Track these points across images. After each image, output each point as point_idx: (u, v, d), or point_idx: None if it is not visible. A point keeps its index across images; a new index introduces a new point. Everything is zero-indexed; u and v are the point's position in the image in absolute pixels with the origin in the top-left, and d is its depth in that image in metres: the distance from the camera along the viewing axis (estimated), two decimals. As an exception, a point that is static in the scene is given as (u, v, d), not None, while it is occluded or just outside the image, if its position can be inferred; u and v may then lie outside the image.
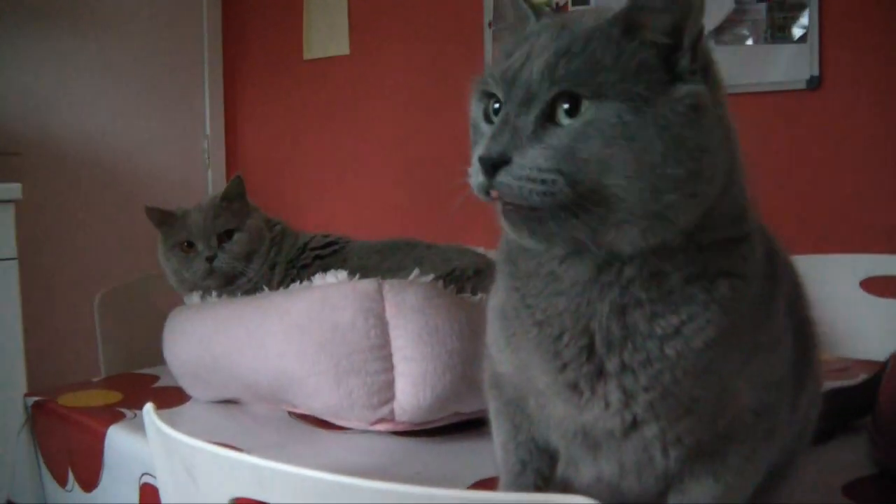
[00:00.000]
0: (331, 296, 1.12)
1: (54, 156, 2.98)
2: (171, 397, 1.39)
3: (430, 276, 1.17)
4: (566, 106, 0.58)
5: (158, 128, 3.27)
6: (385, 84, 3.07)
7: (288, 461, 1.07)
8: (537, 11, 0.66)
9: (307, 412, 1.20)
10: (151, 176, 3.24)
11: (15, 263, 2.39)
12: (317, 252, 1.45)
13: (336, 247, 1.46)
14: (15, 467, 1.43)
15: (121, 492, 1.22)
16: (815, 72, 2.19)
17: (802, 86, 2.21)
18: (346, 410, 1.12)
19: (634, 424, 0.66)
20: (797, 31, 2.21)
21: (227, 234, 1.42)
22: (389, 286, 1.11)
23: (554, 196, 0.57)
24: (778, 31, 2.25)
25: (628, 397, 0.65)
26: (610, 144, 0.56)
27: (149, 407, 0.90)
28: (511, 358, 0.72)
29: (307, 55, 3.26)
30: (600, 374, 0.65)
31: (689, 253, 0.62)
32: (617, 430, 0.67)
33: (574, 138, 0.57)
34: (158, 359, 1.55)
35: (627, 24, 0.59)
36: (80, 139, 3.05)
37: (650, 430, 0.66)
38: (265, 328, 1.16)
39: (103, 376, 1.60)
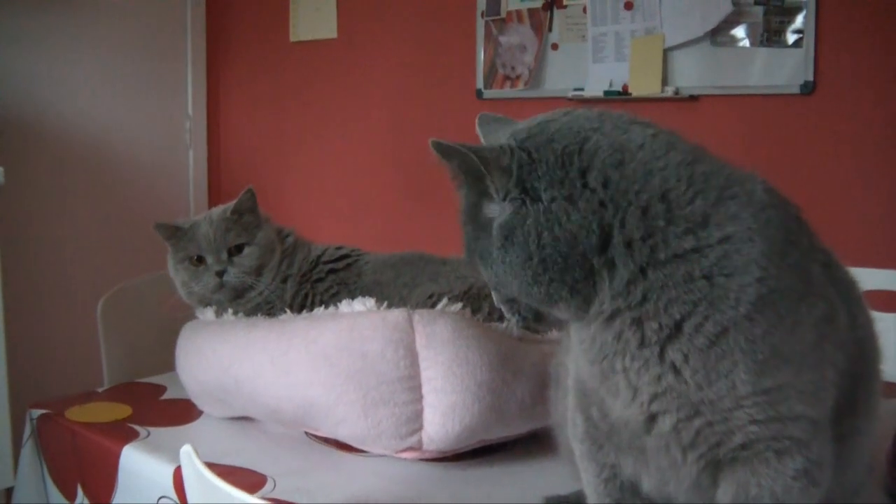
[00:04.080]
0: (359, 325, 1.11)
1: (34, 138, 2.89)
2: (181, 412, 1.37)
3: (459, 306, 1.16)
4: None
5: (141, 108, 3.18)
6: (373, 70, 3.02)
7: (313, 488, 1.07)
8: None
9: (331, 437, 1.20)
10: (134, 157, 3.15)
11: (-4, 252, 2.33)
12: (330, 266, 1.43)
13: (349, 260, 1.44)
14: (19, 480, 1.40)
15: (136, 511, 1.21)
16: (810, 77, 2.20)
17: (796, 90, 2.22)
18: (374, 439, 1.12)
19: (654, 418, 0.74)
20: (792, 36, 2.22)
21: (238, 248, 1.39)
22: (419, 317, 1.10)
23: None
24: (774, 35, 2.25)
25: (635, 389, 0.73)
26: None
27: (188, 450, 0.88)
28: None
29: (294, 37, 3.18)
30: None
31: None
32: (640, 420, 0.74)
33: None
34: (163, 366, 1.52)
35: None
36: (60, 120, 2.96)
37: (664, 424, 0.73)
38: (290, 356, 1.14)
39: (107, 385, 1.57)
